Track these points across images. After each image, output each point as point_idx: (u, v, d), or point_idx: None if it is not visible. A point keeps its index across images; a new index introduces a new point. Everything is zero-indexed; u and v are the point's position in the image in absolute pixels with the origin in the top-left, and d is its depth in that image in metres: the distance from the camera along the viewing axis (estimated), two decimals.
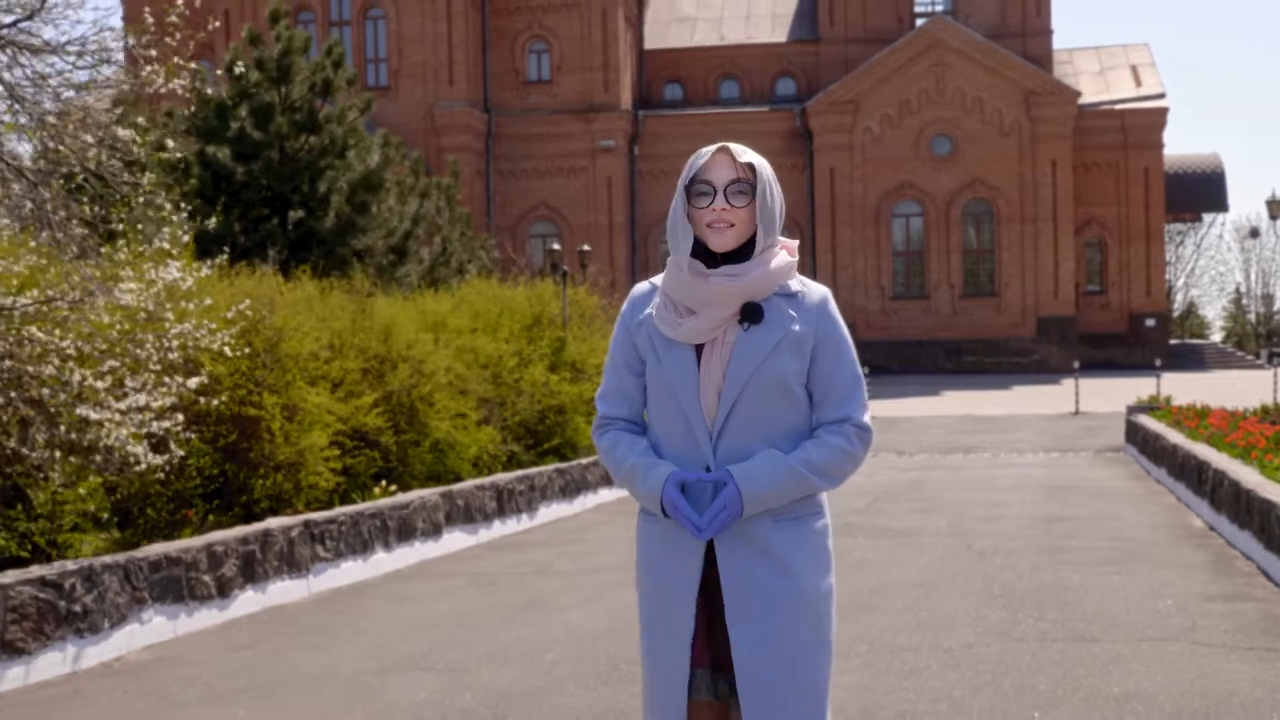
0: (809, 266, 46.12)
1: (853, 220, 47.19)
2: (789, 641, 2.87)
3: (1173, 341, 53.06)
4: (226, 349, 8.18)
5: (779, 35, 50.56)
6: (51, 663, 6.54)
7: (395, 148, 19.14)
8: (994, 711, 5.23)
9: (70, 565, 6.82)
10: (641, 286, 3.12)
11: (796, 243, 3.08)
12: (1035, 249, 46.59)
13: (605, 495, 14.57)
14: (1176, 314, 69.27)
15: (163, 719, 5.60)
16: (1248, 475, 9.85)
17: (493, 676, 6.17)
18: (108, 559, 7.08)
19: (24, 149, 6.39)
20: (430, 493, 10.76)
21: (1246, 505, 9.27)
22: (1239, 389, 30.41)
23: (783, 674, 2.86)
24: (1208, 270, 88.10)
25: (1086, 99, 47.84)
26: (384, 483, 10.98)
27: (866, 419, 2.98)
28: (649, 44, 51.20)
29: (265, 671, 6.47)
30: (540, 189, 47.77)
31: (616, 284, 38.27)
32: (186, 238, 7.72)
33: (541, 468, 13.30)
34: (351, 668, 6.48)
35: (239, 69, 16.68)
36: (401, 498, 10.34)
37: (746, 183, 2.90)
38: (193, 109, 17.47)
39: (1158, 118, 48.08)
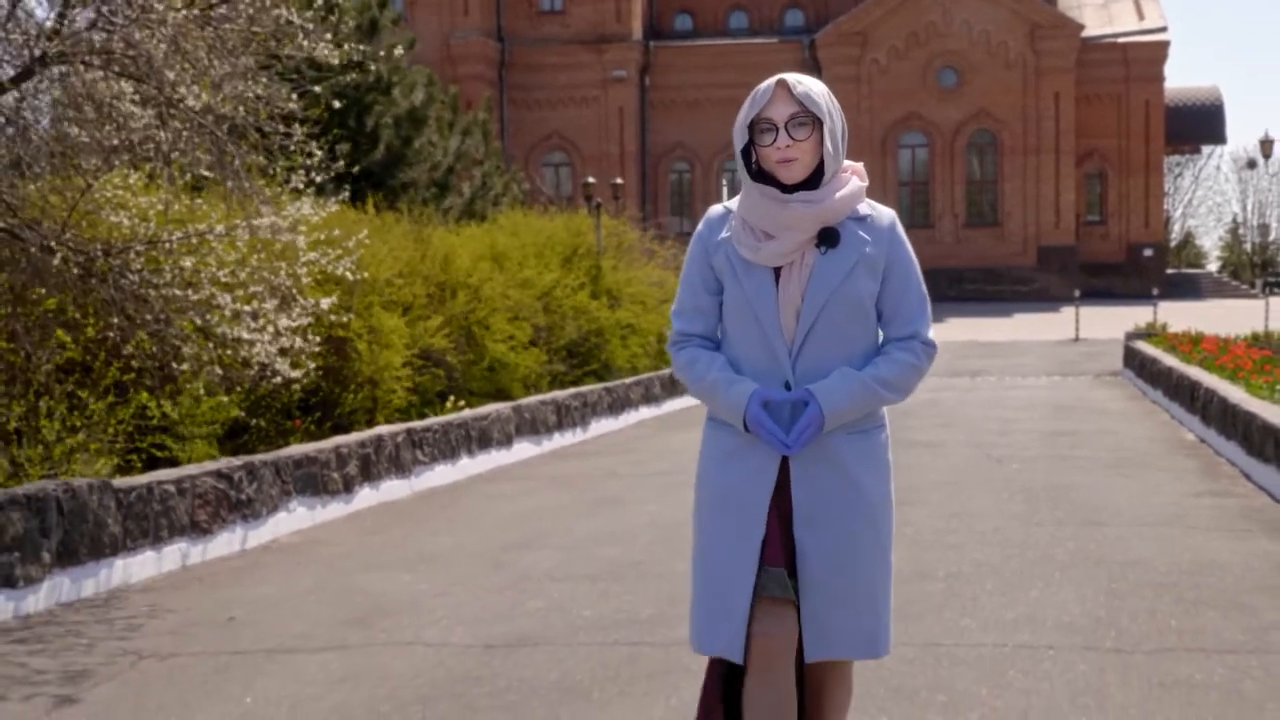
0: None
1: (860, 151, 48.07)
2: (851, 547, 3.05)
3: (1170, 271, 54.20)
4: (348, 274, 9.32)
5: None
6: (225, 542, 7.78)
7: (436, 85, 20.13)
8: (1022, 573, 6.49)
9: (236, 461, 8.05)
10: (716, 209, 3.21)
11: (863, 165, 3.18)
12: (1037, 180, 47.61)
13: (645, 413, 15.83)
14: (1174, 244, 70.30)
15: (336, 582, 6.83)
16: (1234, 392, 11.09)
17: (600, 551, 7.42)
18: (263, 456, 8.32)
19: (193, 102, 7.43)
20: (503, 406, 11.99)
21: (1232, 418, 10.51)
22: (1233, 317, 31.62)
23: (844, 578, 3.03)
24: (1205, 201, 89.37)
25: (1090, 32, 48.61)
26: (452, 398, 12.18)
27: (932, 335, 3.14)
28: None
29: (403, 549, 7.71)
30: (553, 119, 48.65)
31: (628, 212, 39.25)
32: (319, 178, 8.82)
33: (592, 386, 14.54)
34: (476, 547, 7.72)
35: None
36: (479, 410, 11.57)
37: (806, 114, 2.98)
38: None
39: (1159, 51, 48.90)
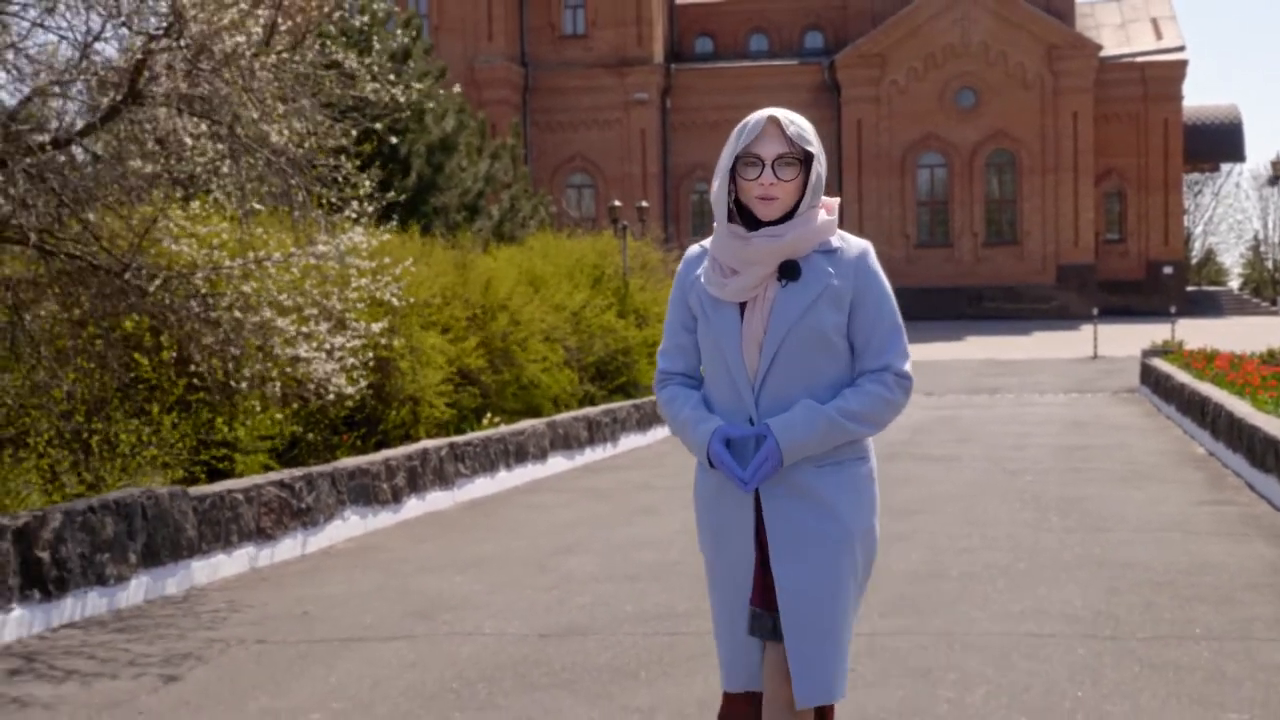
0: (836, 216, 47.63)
1: (879, 170, 48.69)
2: (829, 579, 3.02)
3: (1190, 288, 54.52)
4: (394, 299, 9.91)
5: None
6: (288, 547, 8.36)
7: (466, 112, 20.76)
8: (1031, 574, 7.01)
9: (297, 472, 8.64)
10: (694, 249, 3.25)
11: (837, 201, 3.18)
12: (1056, 198, 48.05)
13: None
14: (1195, 261, 70.61)
15: (395, 583, 7.39)
16: (1240, 407, 11.58)
17: (637, 555, 7.96)
18: (321, 468, 8.90)
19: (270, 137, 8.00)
20: (538, 422, 12.56)
21: (1238, 432, 11.00)
22: (1253, 334, 31.98)
23: (824, 610, 3.02)
24: (1226, 218, 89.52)
25: (1108, 51, 49.08)
26: (489, 414, 12.76)
27: (907, 367, 3.10)
28: None
29: (453, 554, 8.27)
30: (575, 141, 49.34)
31: (650, 233, 39.92)
32: (370, 208, 9.41)
33: (621, 403, 15.10)
34: (521, 553, 8.27)
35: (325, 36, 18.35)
36: (516, 426, 12.14)
37: (794, 155, 3.00)
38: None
39: (1177, 70, 49.34)
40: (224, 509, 7.78)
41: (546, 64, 49.23)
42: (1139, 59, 49.52)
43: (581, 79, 48.91)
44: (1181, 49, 49.81)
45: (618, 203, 19.96)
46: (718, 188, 3.06)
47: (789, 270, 3.03)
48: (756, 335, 3.03)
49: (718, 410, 3.10)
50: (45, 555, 6.40)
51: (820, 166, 3.05)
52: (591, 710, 4.79)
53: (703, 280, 3.11)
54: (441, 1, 47.41)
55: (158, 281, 7.66)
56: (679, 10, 52.32)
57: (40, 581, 6.37)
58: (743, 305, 3.06)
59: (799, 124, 3.02)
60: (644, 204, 20.78)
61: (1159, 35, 50.58)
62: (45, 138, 7.43)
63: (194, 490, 7.62)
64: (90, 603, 6.65)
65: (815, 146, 3.03)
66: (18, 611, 6.21)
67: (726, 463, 3.00)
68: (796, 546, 3.02)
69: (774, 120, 3.01)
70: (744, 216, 3.07)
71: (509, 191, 22.39)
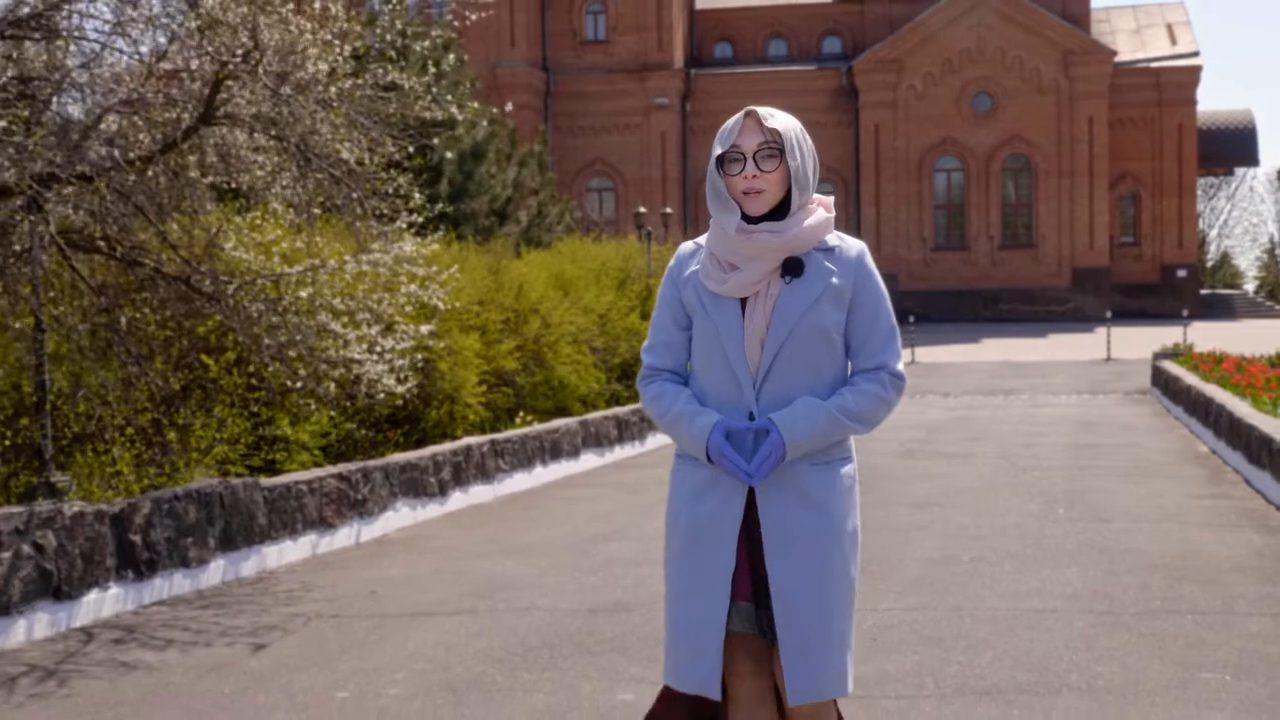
0: (854, 219, 48.33)
1: (896, 174, 49.25)
2: (824, 575, 3.04)
3: (1204, 291, 54.99)
4: (440, 303, 10.55)
5: None
6: (345, 535, 9.01)
7: (498, 122, 21.41)
8: (1036, 559, 7.62)
9: (353, 466, 9.29)
10: (686, 245, 3.24)
11: (832, 199, 3.18)
12: (1071, 202, 48.56)
13: None
14: (1211, 265, 70.97)
15: (451, 566, 8.02)
16: (1241, 407, 12.16)
17: None
18: (375, 462, 9.55)
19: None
20: (571, 421, 13.20)
21: (1237, 430, 11.58)
22: (1263, 337, 32.46)
23: (818, 607, 3.03)
24: (1241, 221, 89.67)
25: (1122, 57, 49.59)
26: (522, 413, 13.39)
27: (900, 367, 3.14)
28: (699, 4, 53.17)
29: (501, 542, 8.91)
30: (596, 145, 50.04)
31: (672, 237, 40.64)
32: (419, 218, 10.07)
33: None
34: (564, 541, 8.90)
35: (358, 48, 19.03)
36: (551, 425, 12.78)
37: (773, 145, 3.02)
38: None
39: (1191, 76, 49.81)
40: (290, 499, 8.43)
41: (568, 69, 49.94)
42: (1154, 64, 50.02)
43: (602, 84, 49.61)
44: (1196, 54, 50.28)
45: (643, 209, 20.58)
46: (711, 185, 3.09)
47: (793, 267, 3.04)
48: (759, 331, 3.04)
49: (714, 405, 3.10)
50: (137, 539, 7.05)
51: (797, 158, 3.05)
52: (643, 670, 5.41)
53: (701, 275, 3.11)
54: (464, 6, 48.09)
55: (233, 286, 8.28)
56: (698, 16, 52.98)
57: (133, 562, 7.02)
58: (742, 301, 3.07)
59: (777, 117, 3.05)
60: (668, 210, 21.40)
61: (1173, 41, 51.05)
62: (131, 154, 8.08)
63: (265, 481, 8.27)
64: (176, 583, 7.31)
65: (794, 138, 3.04)
66: (115, 589, 6.86)
67: (730, 457, 3.00)
68: (791, 543, 3.03)
69: (752, 114, 3.05)
70: (740, 214, 3.07)
71: (536, 197, 23.07)
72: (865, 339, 3.11)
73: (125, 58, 8.27)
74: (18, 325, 8.00)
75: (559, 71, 49.92)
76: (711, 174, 3.07)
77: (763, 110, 3.04)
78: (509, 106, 23.42)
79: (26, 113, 7.25)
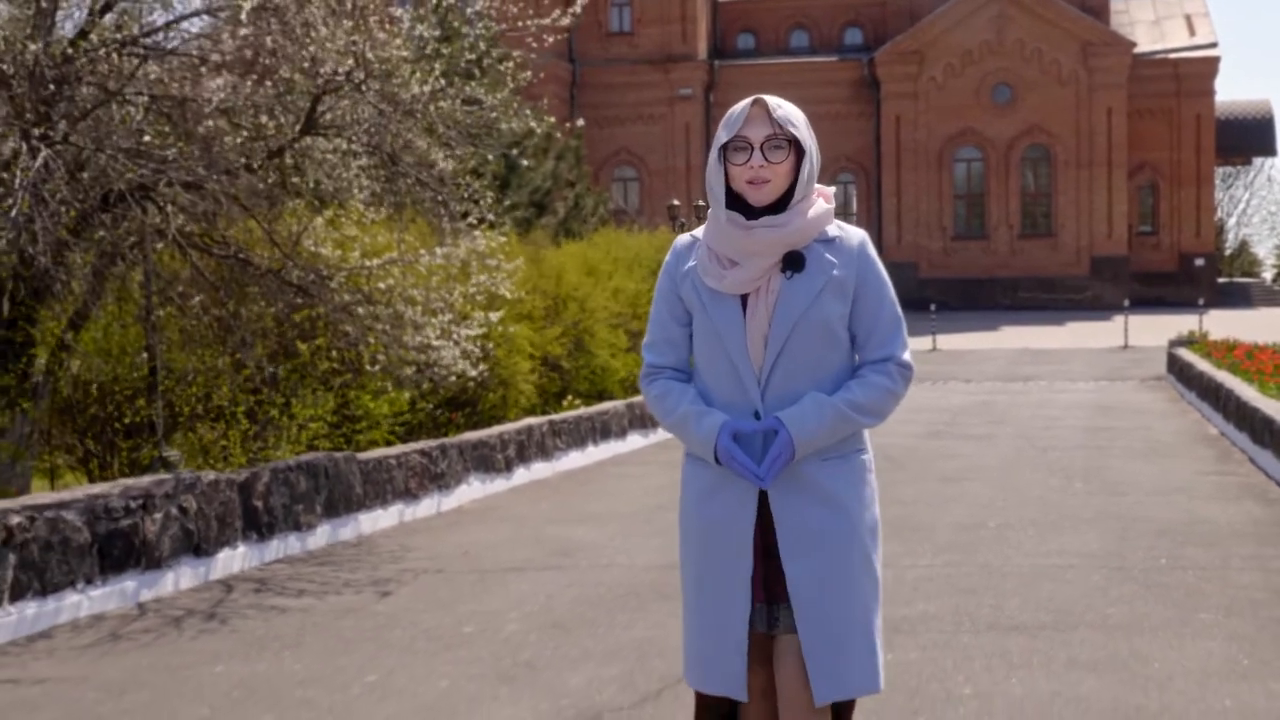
0: (875, 209, 49.17)
1: (917, 164, 50.01)
2: (841, 573, 2.98)
3: (1222, 280, 55.64)
4: (506, 292, 11.44)
5: None
6: (427, 506, 9.93)
7: (543, 121, 22.25)
8: (1056, 525, 8.51)
9: (433, 443, 10.21)
10: (683, 239, 3.15)
11: (832, 189, 3.11)
12: (1090, 192, 49.27)
13: None
14: (1229, 253, 71.51)
15: (528, 532, 8.93)
16: (1248, 391, 13.00)
17: None
18: (450, 440, 10.47)
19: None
20: (618, 404, 14.11)
21: (1244, 413, 12.43)
22: (1277, 325, 33.17)
23: (838, 605, 2.97)
24: (1259, 210, 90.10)
25: (1141, 48, 50.21)
26: (569, 397, 14.29)
27: (907, 357, 3.07)
28: None
29: (568, 512, 9.81)
30: (621, 135, 50.91)
31: (691, 225, 41.59)
32: (490, 216, 10.98)
33: None
34: (626, 510, 9.80)
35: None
36: (600, 407, 13.69)
37: (783, 137, 2.94)
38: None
39: (1209, 67, 50.43)
40: (382, 471, 9.36)
41: (594, 61, 50.81)
42: (1172, 55, 50.66)
43: (628, 75, 50.47)
44: (1214, 45, 50.87)
45: (676, 201, 21.46)
46: (712, 178, 3.02)
47: (794, 261, 2.98)
48: (761, 328, 2.98)
49: (718, 405, 3.04)
50: (259, 504, 7.99)
51: (812, 157, 3.01)
52: None
53: (699, 271, 3.04)
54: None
55: (335, 281, 9.19)
56: (721, 8, 53.76)
57: (256, 525, 7.95)
58: (743, 297, 3.01)
59: (786, 108, 2.98)
60: (701, 204, 22.28)
61: (1192, 31, 51.65)
62: (241, 161, 8.99)
63: (361, 455, 9.20)
64: (290, 544, 8.24)
65: (803, 133, 2.98)
66: (242, 548, 7.80)
67: (739, 458, 2.94)
68: (807, 542, 2.98)
69: (760, 103, 2.97)
70: (737, 207, 3.01)
71: (573, 189, 23.97)
72: (871, 330, 3.06)
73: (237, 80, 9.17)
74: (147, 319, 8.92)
75: (585, 63, 50.81)
76: (712, 160, 3.02)
77: (771, 100, 2.98)
78: (544, 101, 24.27)
79: (167, 127, 8.16)
